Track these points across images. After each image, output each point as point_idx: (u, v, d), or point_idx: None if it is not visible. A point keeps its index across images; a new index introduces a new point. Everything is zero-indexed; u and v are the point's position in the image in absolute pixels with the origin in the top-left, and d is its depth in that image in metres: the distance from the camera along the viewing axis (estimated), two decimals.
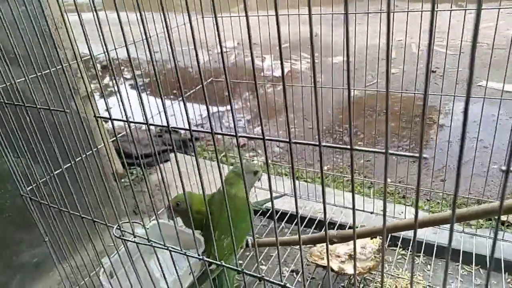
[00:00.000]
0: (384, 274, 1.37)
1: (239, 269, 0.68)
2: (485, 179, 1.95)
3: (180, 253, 0.73)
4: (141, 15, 0.51)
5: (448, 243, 0.44)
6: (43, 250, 1.54)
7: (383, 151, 0.44)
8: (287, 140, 0.48)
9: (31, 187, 1.00)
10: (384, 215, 0.50)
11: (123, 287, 1.05)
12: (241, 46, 4.50)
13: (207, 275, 1.11)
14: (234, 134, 0.52)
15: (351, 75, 0.44)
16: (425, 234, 1.50)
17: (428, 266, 1.45)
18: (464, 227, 1.57)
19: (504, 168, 0.37)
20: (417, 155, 0.42)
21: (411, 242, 1.48)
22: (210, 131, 0.54)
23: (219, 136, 2.87)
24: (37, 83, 0.84)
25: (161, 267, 0.83)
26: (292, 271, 1.50)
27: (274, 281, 0.65)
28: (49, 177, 0.96)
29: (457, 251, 1.42)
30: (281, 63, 0.53)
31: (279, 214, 1.74)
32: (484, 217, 0.94)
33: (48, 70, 0.86)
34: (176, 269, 0.82)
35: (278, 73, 3.76)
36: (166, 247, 0.76)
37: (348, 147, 0.46)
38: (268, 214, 1.75)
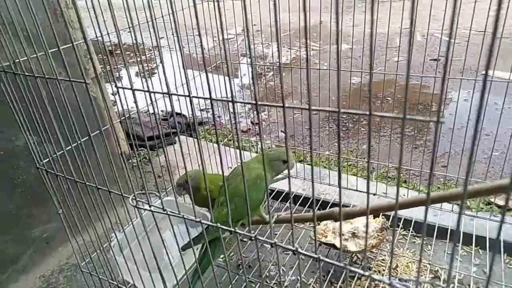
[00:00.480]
0: (386, 253, 1.41)
1: (252, 235, 0.72)
2: (486, 166, 1.98)
3: (195, 221, 0.77)
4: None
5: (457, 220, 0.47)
6: (54, 226, 1.58)
7: (401, 116, 0.47)
8: (307, 107, 0.51)
9: (47, 159, 1.03)
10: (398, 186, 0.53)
11: (136, 259, 1.09)
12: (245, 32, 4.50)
13: (203, 238, 1.15)
14: (255, 102, 0.54)
15: (355, 62, 0.47)
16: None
17: (429, 246, 1.49)
18: (464, 209, 1.60)
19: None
20: (434, 119, 0.45)
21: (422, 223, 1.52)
22: (230, 99, 0.56)
23: (223, 121, 2.89)
24: (50, 59, 0.87)
25: (175, 236, 0.87)
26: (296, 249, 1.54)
27: (287, 246, 0.69)
28: (65, 151, 0.99)
29: (458, 232, 1.46)
30: (278, 50, 0.56)
31: (283, 194, 1.78)
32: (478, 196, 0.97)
33: (57, 48, 0.88)
34: (190, 237, 0.86)
35: (283, 59, 3.76)
36: (181, 215, 0.79)
37: (367, 112, 0.49)
38: (273, 195, 1.79)
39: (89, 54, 1.78)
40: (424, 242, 1.52)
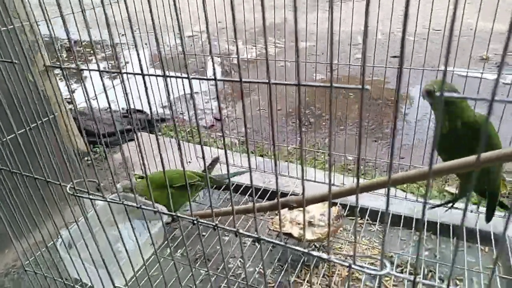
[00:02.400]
0: (342, 241, 1.43)
1: (194, 218, 0.70)
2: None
3: (153, 210, 0.73)
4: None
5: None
6: None
7: (360, 87, 0.46)
8: (296, 83, 0.49)
9: None
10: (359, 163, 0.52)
11: (82, 257, 1.04)
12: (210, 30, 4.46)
13: None
14: (267, 81, 0.51)
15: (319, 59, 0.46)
16: (380, 205, 1.57)
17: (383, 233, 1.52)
18: (417, 197, 1.65)
19: None
20: (359, 87, 0.45)
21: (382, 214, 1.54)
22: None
23: (185, 117, 2.85)
24: None
25: (131, 227, 0.83)
26: (254, 240, 1.53)
27: (250, 234, 0.67)
28: (0, 142, 0.93)
29: (411, 219, 1.50)
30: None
31: (242, 187, 1.77)
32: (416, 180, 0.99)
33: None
34: (148, 226, 0.83)
35: (248, 56, 3.76)
36: (121, 202, 0.76)
37: (328, 85, 0.48)
38: (232, 187, 1.77)
39: (37, 46, 1.70)
40: (379, 229, 1.55)
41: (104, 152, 2.15)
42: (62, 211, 0.94)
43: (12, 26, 0.79)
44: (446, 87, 1.20)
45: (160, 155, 0.70)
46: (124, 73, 0.69)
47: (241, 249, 0.67)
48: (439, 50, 1.32)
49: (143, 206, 0.75)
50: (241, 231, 0.68)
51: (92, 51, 4.39)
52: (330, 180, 0.57)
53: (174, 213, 0.71)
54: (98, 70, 0.69)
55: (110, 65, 3.73)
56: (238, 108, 2.99)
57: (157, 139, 0.74)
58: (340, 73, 3.41)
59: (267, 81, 0.52)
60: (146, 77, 0.61)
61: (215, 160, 1.73)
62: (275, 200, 1.19)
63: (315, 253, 0.64)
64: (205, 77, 0.58)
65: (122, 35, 4.58)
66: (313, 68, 3.43)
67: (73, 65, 0.69)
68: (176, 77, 0.64)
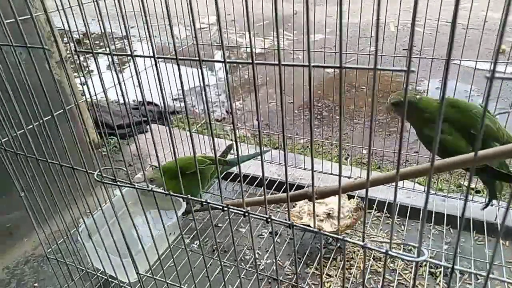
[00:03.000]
0: (360, 233, 1.42)
1: (224, 205, 0.70)
2: None
3: (164, 193, 0.73)
4: None
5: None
6: (17, 215, 1.51)
7: (372, 67, 0.46)
8: (307, 64, 0.48)
9: (6, 139, 0.97)
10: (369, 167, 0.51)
11: (106, 245, 1.05)
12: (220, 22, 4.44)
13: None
14: (277, 63, 0.50)
15: (328, 52, 0.45)
16: (399, 197, 1.56)
17: (402, 227, 1.51)
18: (436, 191, 1.63)
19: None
20: (405, 69, 0.44)
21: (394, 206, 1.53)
22: (277, 63, 0.52)
23: (197, 110, 2.84)
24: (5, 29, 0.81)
25: (146, 218, 0.83)
26: (270, 232, 1.53)
27: (282, 220, 0.67)
28: (26, 130, 0.93)
29: (430, 212, 1.49)
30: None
31: (258, 179, 1.76)
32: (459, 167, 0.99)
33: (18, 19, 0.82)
34: (159, 212, 0.83)
35: (258, 50, 3.74)
36: (149, 189, 0.76)
37: (338, 65, 0.47)
38: (247, 180, 1.77)
39: (53, 36, 1.70)
40: (397, 222, 1.54)
41: (118, 144, 2.15)
42: (86, 198, 0.94)
43: (29, 16, 0.79)
44: (410, 94, 1.23)
45: (172, 143, 0.69)
46: (135, 55, 0.67)
47: (250, 229, 0.66)
48: (449, 42, 1.30)
49: (154, 189, 0.76)
50: (273, 217, 0.68)
51: (102, 43, 4.39)
52: (340, 172, 0.56)
53: (204, 200, 0.71)
54: (110, 54, 0.68)
55: (118, 57, 3.73)
56: (248, 101, 2.98)
57: (169, 129, 0.73)
58: (350, 64, 3.38)
59: (277, 63, 0.51)
60: (157, 66, 0.61)
61: (229, 147, 1.72)
62: (305, 189, 1.19)
63: (350, 239, 0.63)
64: (241, 61, 0.57)
65: (132, 27, 4.57)
66: (323, 59, 3.41)
67: (87, 53, 0.69)
68: (188, 59, 0.63)
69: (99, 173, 0.81)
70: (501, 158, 0.97)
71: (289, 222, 0.66)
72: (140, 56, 0.64)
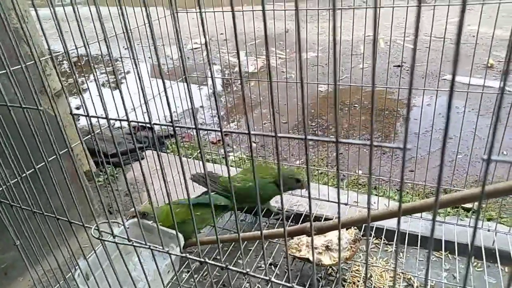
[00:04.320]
0: (359, 263, 1.41)
1: (223, 265, 0.69)
2: (452, 169, 2.04)
3: (162, 251, 0.73)
4: (121, 8, 0.50)
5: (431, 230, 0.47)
6: (11, 255, 1.48)
7: (368, 143, 0.46)
8: (303, 137, 0.49)
9: (0, 188, 0.96)
10: (369, 208, 0.51)
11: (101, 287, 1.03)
12: (213, 41, 4.47)
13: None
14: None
15: (322, 70, 0.45)
16: (395, 223, 1.56)
17: (401, 254, 1.51)
18: (444, 217, 1.64)
19: (485, 157, 0.39)
20: (401, 146, 0.44)
21: (396, 232, 1.53)
22: (194, 127, 0.53)
23: (192, 133, 2.84)
24: (3, 79, 0.81)
25: (141, 265, 0.82)
26: (270, 264, 1.52)
27: (260, 276, 0.66)
28: (20, 178, 0.93)
29: (427, 238, 1.49)
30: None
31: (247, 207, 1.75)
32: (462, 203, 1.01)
33: (17, 67, 0.82)
34: (157, 266, 0.82)
35: (251, 68, 3.76)
36: (147, 246, 0.75)
37: (334, 139, 0.48)
38: (245, 209, 1.76)
39: (54, 68, 1.70)
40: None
41: (112, 173, 2.14)
42: (79, 239, 0.93)
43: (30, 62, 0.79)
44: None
45: (168, 194, 0.69)
46: (132, 121, 0.67)
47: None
48: (441, 57, 1.31)
49: (152, 247, 0.75)
50: (273, 279, 0.67)
51: (96, 65, 4.39)
52: (339, 215, 0.56)
53: (203, 260, 0.70)
54: (106, 118, 0.68)
55: (110, 79, 3.73)
56: (243, 122, 2.98)
57: (161, 169, 0.72)
58: (342, 82, 3.41)
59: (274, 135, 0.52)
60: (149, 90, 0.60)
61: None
62: (303, 225, 1.19)
63: None
64: (190, 126, 0.58)
65: (125, 48, 4.58)
66: (316, 79, 3.44)
67: (78, 83, 0.69)
68: (140, 122, 0.63)
69: (96, 228, 0.81)
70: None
71: (266, 278, 0.65)
72: (134, 121, 0.64)
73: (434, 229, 0.48)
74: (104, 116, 0.66)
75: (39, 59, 0.80)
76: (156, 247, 0.74)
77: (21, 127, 0.79)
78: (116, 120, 0.65)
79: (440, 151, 0.41)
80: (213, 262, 0.69)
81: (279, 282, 0.65)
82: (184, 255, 0.70)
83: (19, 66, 0.83)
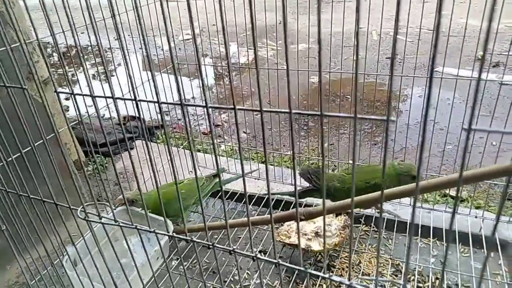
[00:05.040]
0: (349, 250, 1.42)
1: (209, 243, 0.69)
2: (441, 159, 2.06)
3: (149, 231, 0.73)
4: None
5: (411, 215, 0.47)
6: None
7: (352, 115, 0.46)
8: (288, 110, 0.49)
9: None
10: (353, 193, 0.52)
11: (89, 274, 1.03)
12: (205, 32, 4.43)
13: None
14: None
15: (315, 62, 0.45)
16: (385, 211, 1.57)
17: (390, 241, 1.52)
18: (422, 203, 1.65)
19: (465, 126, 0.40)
20: (384, 118, 0.44)
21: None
22: (179, 103, 0.53)
23: (183, 124, 2.83)
24: None
25: (129, 248, 0.82)
26: (260, 251, 1.52)
27: (246, 253, 0.66)
28: (6, 162, 0.91)
29: (416, 225, 1.50)
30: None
31: (237, 195, 1.75)
32: (443, 188, 1.01)
33: (3, 48, 0.81)
34: (145, 248, 0.82)
35: (243, 60, 3.75)
36: (134, 226, 0.75)
37: (318, 113, 0.48)
38: (236, 197, 1.76)
39: (42, 55, 1.67)
40: (385, 237, 1.55)
41: (101, 163, 2.12)
42: (67, 226, 0.92)
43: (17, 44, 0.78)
44: None
45: (155, 178, 0.69)
46: (117, 98, 0.67)
47: (237, 267, 0.66)
48: (430, 49, 1.32)
49: (138, 227, 0.75)
50: (259, 256, 0.67)
51: (86, 56, 4.34)
52: (324, 200, 0.56)
53: (190, 239, 0.70)
54: (90, 95, 0.67)
55: (100, 70, 3.69)
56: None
57: (149, 152, 0.72)
58: (332, 75, 3.41)
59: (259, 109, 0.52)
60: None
61: (215, 175, 1.70)
62: (292, 210, 1.19)
63: (336, 278, 0.63)
64: (174, 102, 0.57)
65: (116, 39, 4.55)
66: (307, 71, 3.44)
67: (68, 73, 0.68)
68: (147, 101, 0.62)
69: (82, 209, 0.80)
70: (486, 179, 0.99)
71: (275, 261, 0.66)
72: (121, 99, 0.63)
73: (415, 213, 0.48)
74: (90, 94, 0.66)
75: (25, 42, 0.79)
76: (142, 227, 0.74)
77: (6, 109, 0.77)
78: (99, 97, 0.64)
79: (421, 134, 0.41)
80: (199, 241, 0.69)
81: (264, 258, 0.65)
82: (171, 234, 0.70)
83: (4, 48, 0.81)
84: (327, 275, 0.62)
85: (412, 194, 1.01)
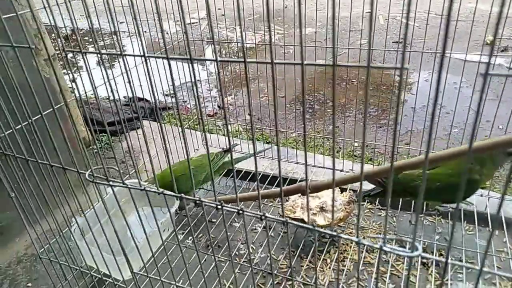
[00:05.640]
0: (353, 226, 1.43)
1: (217, 203, 0.70)
2: (447, 142, 2.05)
3: (156, 192, 0.73)
4: None
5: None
6: (8, 215, 1.49)
7: (365, 65, 0.46)
8: (300, 62, 0.48)
9: None
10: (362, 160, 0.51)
11: (99, 243, 1.04)
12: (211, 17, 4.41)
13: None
14: (270, 61, 0.50)
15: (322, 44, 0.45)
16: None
17: (394, 218, 1.53)
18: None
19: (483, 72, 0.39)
20: (398, 66, 0.44)
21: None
22: (270, 61, 0.53)
23: (189, 106, 2.83)
24: None
25: (139, 216, 0.83)
26: (264, 227, 1.53)
27: (277, 218, 0.66)
28: (15, 130, 0.92)
29: (422, 204, 1.51)
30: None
31: (251, 174, 1.76)
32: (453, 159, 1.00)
33: (12, 14, 0.81)
34: (155, 216, 0.83)
35: (248, 44, 3.72)
36: (142, 188, 0.76)
37: (331, 64, 0.47)
38: (240, 175, 1.77)
39: (39, 34, 1.67)
40: (389, 214, 1.55)
41: (109, 141, 2.13)
42: (77, 197, 0.94)
43: (14, 14, 0.78)
44: None
45: (167, 154, 0.69)
46: (125, 54, 0.67)
47: (244, 226, 0.67)
48: (438, 34, 1.31)
49: (146, 188, 0.76)
50: (267, 214, 0.68)
51: (91, 39, 4.33)
52: (333, 166, 0.56)
53: (198, 199, 0.71)
54: (99, 53, 0.67)
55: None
56: (240, 96, 2.97)
57: (160, 125, 0.73)
58: (339, 59, 3.38)
59: (270, 61, 0.51)
60: (147, 63, 0.60)
61: (227, 151, 1.71)
62: (299, 183, 1.19)
63: (344, 235, 0.64)
64: (234, 60, 0.57)
65: (121, 22, 4.51)
66: (314, 54, 3.42)
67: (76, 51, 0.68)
68: (179, 58, 0.62)
69: (91, 173, 0.81)
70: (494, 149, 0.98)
71: (283, 219, 0.66)
72: (130, 55, 0.63)
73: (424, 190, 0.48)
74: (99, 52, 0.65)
75: (31, 10, 0.79)
76: (150, 189, 0.75)
77: (17, 78, 0.78)
78: (109, 54, 0.64)
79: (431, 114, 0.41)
80: (206, 200, 0.70)
81: (273, 217, 0.65)
82: (179, 195, 0.70)
83: (14, 14, 0.81)
84: (335, 233, 0.62)
85: (420, 165, 1.01)
